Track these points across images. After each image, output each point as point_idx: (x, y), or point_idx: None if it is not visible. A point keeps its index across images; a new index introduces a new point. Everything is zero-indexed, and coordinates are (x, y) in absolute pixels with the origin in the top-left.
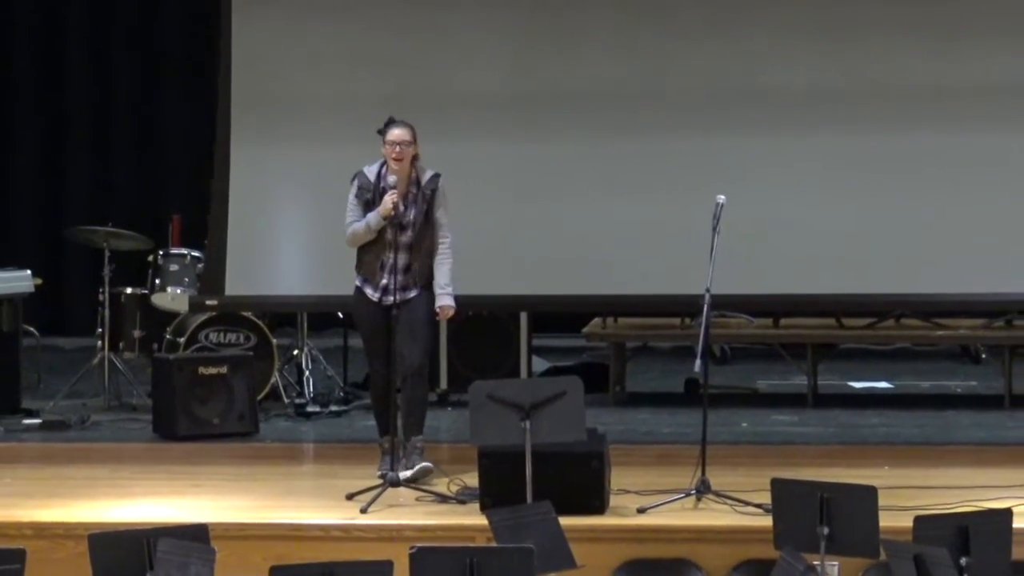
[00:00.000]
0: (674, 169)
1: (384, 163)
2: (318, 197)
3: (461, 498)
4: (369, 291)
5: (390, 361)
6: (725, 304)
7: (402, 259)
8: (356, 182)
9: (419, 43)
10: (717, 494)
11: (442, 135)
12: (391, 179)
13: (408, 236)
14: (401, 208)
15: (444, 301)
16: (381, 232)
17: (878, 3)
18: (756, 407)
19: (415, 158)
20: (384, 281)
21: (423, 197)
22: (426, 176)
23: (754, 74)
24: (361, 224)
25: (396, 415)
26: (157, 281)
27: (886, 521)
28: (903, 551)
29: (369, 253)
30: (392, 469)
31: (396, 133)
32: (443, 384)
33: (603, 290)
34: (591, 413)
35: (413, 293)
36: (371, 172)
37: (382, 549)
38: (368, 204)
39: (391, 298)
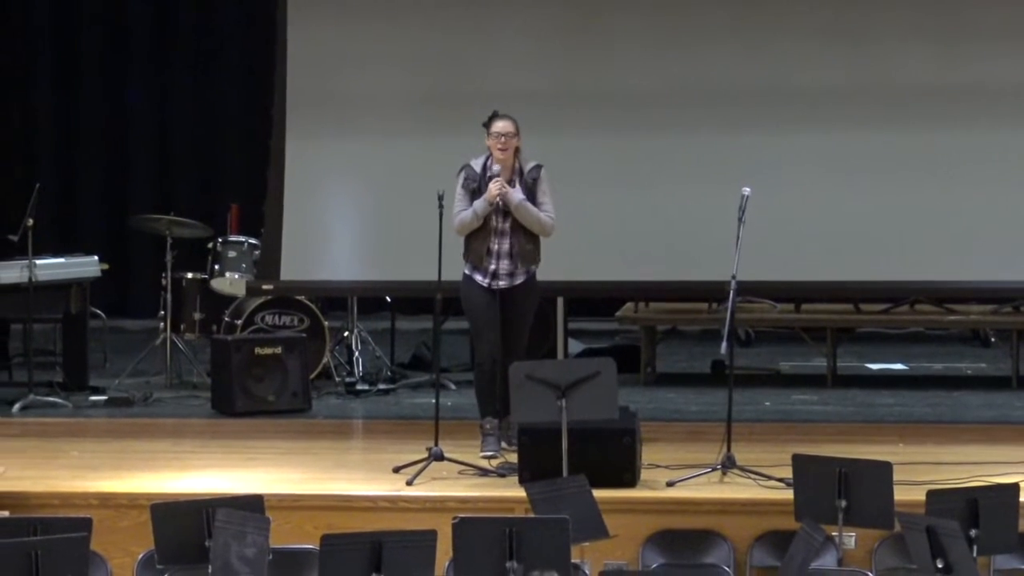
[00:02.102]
0: (702, 163)
1: (489, 155)
2: (368, 187)
3: (501, 472)
4: (479, 277)
5: (500, 343)
6: (750, 290)
7: (506, 244)
8: (463, 174)
9: (459, 44)
10: (741, 469)
11: (481, 131)
12: (496, 168)
13: (509, 222)
14: (505, 191)
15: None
16: (487, 220)
17: (895, 10)
18: (778, 387)
19: (517, 150)
20: (492, 266)
21: (525, 186)
22: (528, 166)
23: (780, 75)
24: (468, 212)
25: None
26: (216, 267)
27: (900, 495)
28: (916, 523)
29: (476, 240)
30: (495, 449)
31: (500, 126)
32: None
33: (635, 276)
34: (623, 392)
35: (520, 279)
36: (477, 164)
37: (427, 519)
38: (474, 193)
39: (500, 282)
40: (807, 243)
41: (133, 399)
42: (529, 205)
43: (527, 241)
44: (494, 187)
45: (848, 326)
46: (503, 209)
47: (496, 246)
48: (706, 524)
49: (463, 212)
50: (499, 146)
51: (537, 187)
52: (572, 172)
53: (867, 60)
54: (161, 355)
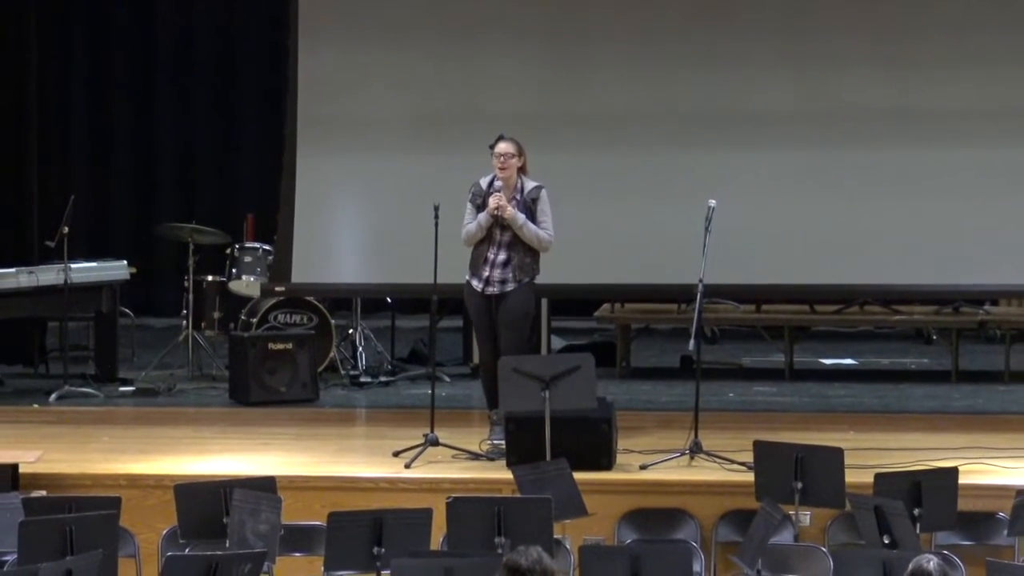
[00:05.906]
0: (672, 177)
1: (495, 173)
2: (371, 199)
3: (491, 456)
4: (475, 283)
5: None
6: (715, 292)
7: (502, 255)
8: (471, 190)
9: (454, 70)
10: (708, 454)
11: (473, 148)
12: (498, 184)
13: (508, 235)
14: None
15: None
16: (489, 231)
17: (845, 40)
18: (741, 380)
19: (522, 169)
20: (486, 274)
21: (524, 204)
22: (529, 186)
23: (743, 97)
24: (473, 224)
25: None
26: (234, 270)
27: (851, 477)
28: (865, 503)
29: (478, 249)
30: (502, 437)
31: (501, 147)
32: (475, 359)
33: (612, 279)
34: (601, 384)
35: (511, 287)
36: (484, 181)
37: (423, 499)
38: (480, 208)
39: (492, 288)
40: (767, 250)
41: (158, 390)
42: (529, 225)
43: (525, 255)
44: (492, 200)
45: (804, 325)
46: (502, 223)
47: (493, 255)
48: (675, 504)
49: (469, 224)
50: (499, 165)
51: (536, 206)
52: (557, 186)
53: (820, 85)
54: (184, 350)
